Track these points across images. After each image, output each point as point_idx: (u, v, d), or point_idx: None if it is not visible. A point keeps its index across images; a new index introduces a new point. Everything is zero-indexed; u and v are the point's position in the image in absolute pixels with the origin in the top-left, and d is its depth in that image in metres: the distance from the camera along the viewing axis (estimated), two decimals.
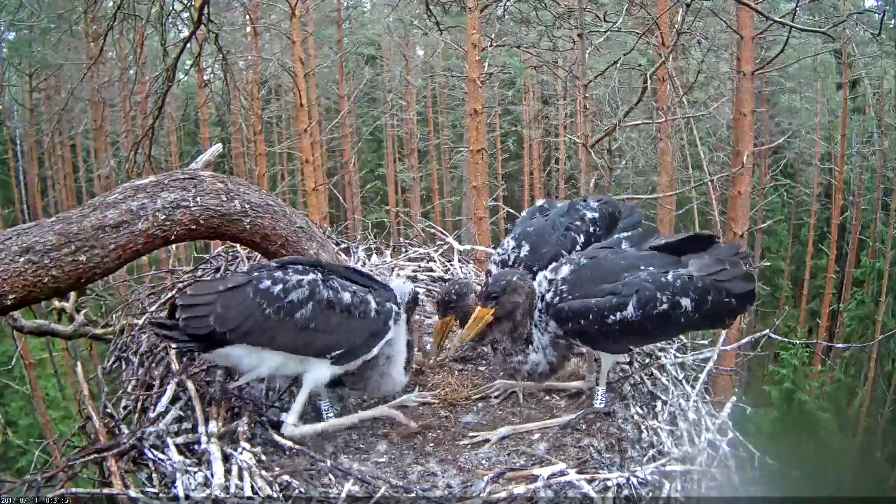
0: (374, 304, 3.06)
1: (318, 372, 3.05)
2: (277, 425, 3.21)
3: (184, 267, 5.25)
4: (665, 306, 3.05)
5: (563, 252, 3.60)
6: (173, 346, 3.00)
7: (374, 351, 3.10)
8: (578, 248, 3.64)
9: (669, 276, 3.10)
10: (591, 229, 3.74)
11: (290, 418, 3.05)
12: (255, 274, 2.97)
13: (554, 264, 3.32)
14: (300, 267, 3.03)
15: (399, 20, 19.70)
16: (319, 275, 3.00)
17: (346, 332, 2.98)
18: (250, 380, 3.13)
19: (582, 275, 3.19)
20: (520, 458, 3.10)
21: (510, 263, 3.70)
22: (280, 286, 2.89)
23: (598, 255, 3.30)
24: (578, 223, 3.74)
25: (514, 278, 3.21)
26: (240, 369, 3.04)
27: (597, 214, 3.80)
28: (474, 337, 3.37)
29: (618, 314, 3.04)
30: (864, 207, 20.56)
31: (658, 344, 3.96)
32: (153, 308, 4.21)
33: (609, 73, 8.89)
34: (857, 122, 21.03)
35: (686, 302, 3.08)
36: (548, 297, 3.21)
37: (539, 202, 4.09)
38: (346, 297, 2.98)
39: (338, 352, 2.99)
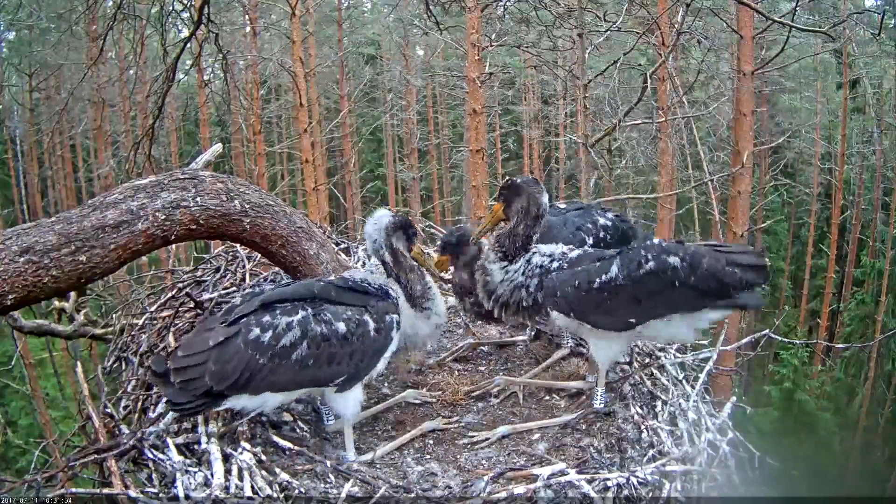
0: (372, 325, 2.98)
1: (349, 405, 3.02)
2: (277, 425, 3.21)
3: (184, 267, 5.26)
4: (651, 264, 2.99)
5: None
6: (175, 411, 2.90)
7: (380, 366, 3.06)
8: (585, 248, 3.67)
9: (656, 240, 3.11)
10: (601, 234, 3.78)
11: (350, 455, 3.03)
12: (243, 320, 2.84)
13: (567, 248, 3.36)
14: (288, 305, 2.90)
15: (399, 20, 19.71)
16: (309, 310, 2.89)
17: (346, 359, 2.91)
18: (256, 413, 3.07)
19: (584, 255, 3.25)
20: (520, 458, 3.11)
21: None
22: (270, 333, 2.79)
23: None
24: (590, 225, 3.80)
25: (519, 181, 3.37)
26: (245, 412, 2.97)
27: (609, 223, 3.84)
28: (490, 228, 3.62)
29: (603, 276, 3.03)
30: (864, 207, 20.53)
31: (659, 343, 3.95)
32: (153, 308, 4.21)
33: (609, 72, 8.88)
34: (857, 122, 21.00)
35: (675, 260, 2.99)
36: (553, 265, 3.23)
37: (561, 204, 4.14)
38: (341, 326, 2.90)
39: (341, 379, 2.94)
